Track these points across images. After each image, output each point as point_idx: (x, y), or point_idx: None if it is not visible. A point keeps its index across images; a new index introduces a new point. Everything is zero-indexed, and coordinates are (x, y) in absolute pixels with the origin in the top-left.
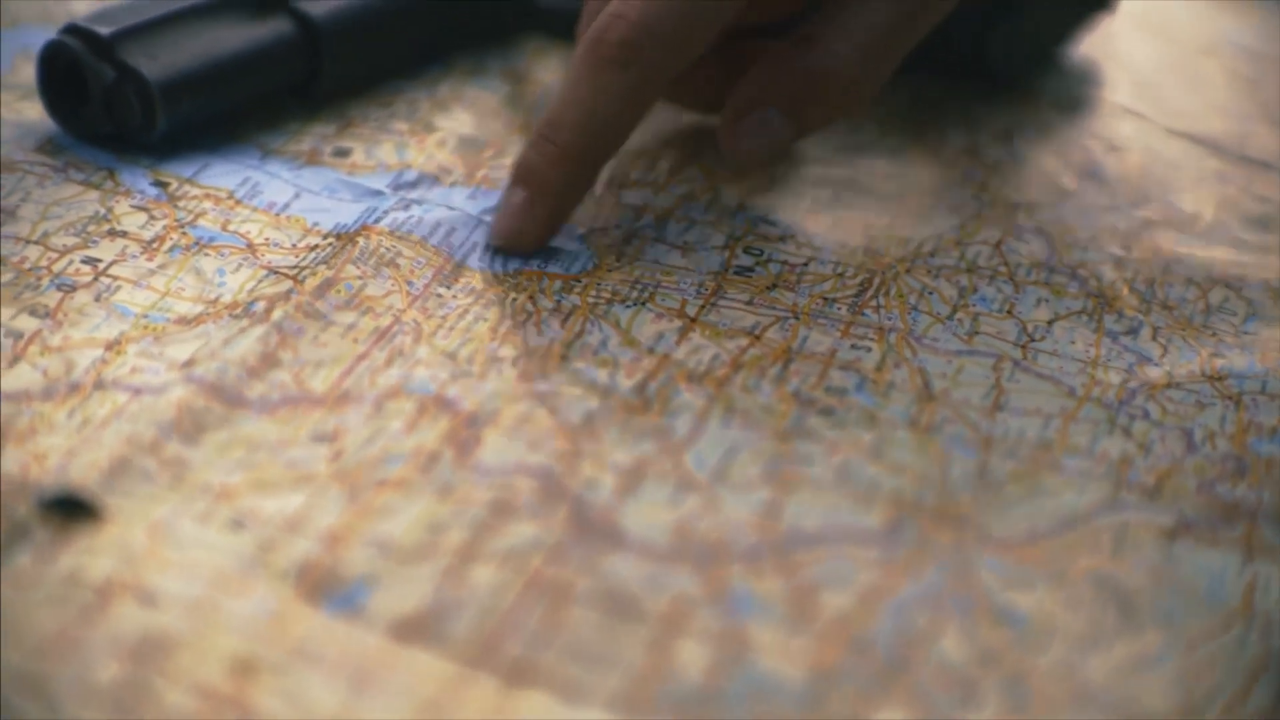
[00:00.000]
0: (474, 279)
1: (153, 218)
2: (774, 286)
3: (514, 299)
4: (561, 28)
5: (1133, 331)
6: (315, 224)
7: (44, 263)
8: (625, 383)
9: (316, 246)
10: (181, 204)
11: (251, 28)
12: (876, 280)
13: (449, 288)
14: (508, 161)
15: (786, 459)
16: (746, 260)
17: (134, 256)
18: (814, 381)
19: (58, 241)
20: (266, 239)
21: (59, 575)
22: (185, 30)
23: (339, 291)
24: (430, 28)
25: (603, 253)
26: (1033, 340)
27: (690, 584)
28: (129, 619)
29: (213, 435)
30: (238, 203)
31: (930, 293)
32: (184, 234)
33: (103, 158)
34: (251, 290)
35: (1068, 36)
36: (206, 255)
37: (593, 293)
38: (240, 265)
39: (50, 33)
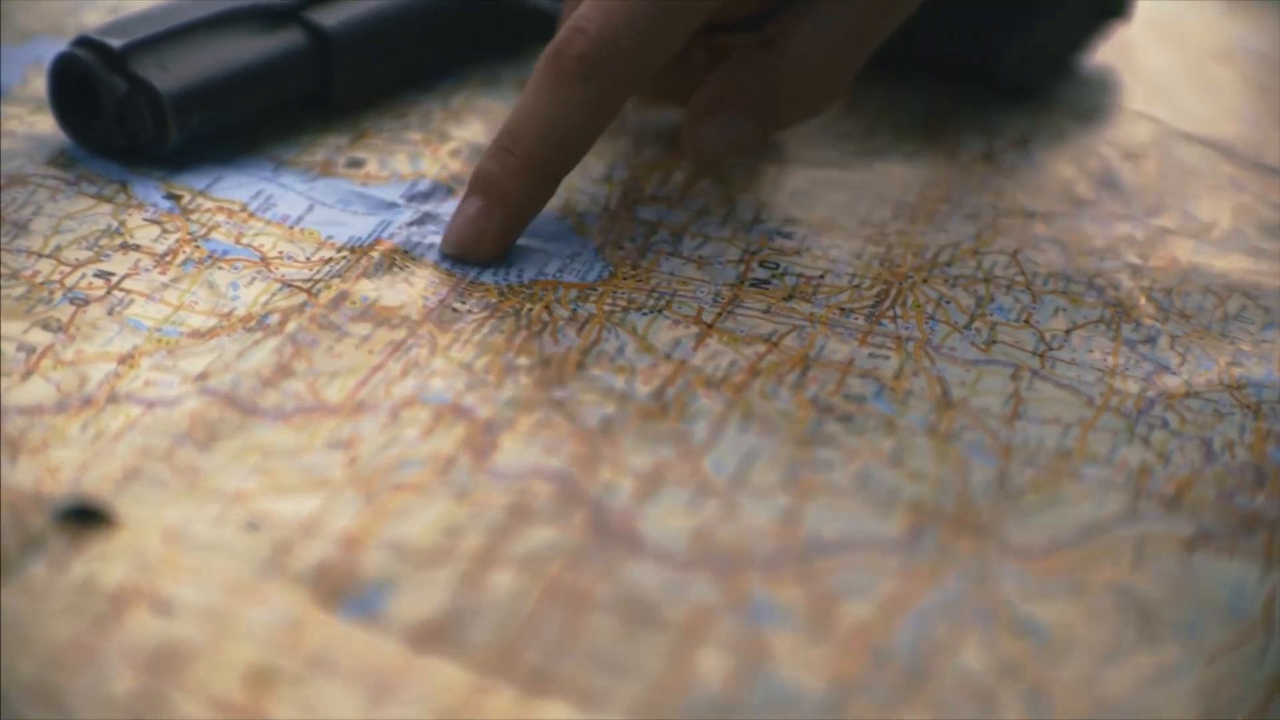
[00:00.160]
0: (489, 292)
1: (165, 231)
2: (790, 297)
3: (529, 309)
4: None
5: (1150, 340)
6: (329, 237)
7: (56, 276)
8: (643, 389)
9: (330, 260)
10: (194, 217)
11: (264, 39)
12: (893, 291)
13: (464, 301)
14: None
15: (805, 465)
16: (762, 274)
17: (147, 270)
18: (832, 388)
19: (70, 255)
20: (280, 252)
21: (72, 584)
22: (197, 42)
23: (353, 304)
24: (443, 38)
25: (618, 263)
26: (1050, 349)
27: (710, 591)
28: (143, 628)
29: (227, 443)
30: (251, 215)
31: (947, 302)
32: (197, 247)
33: (115, 170)
34: (265, 303)
35: (1083, 44)
36: (220, 269)
37: (609, 301)
38: (254, 279)
39: (62, 45)
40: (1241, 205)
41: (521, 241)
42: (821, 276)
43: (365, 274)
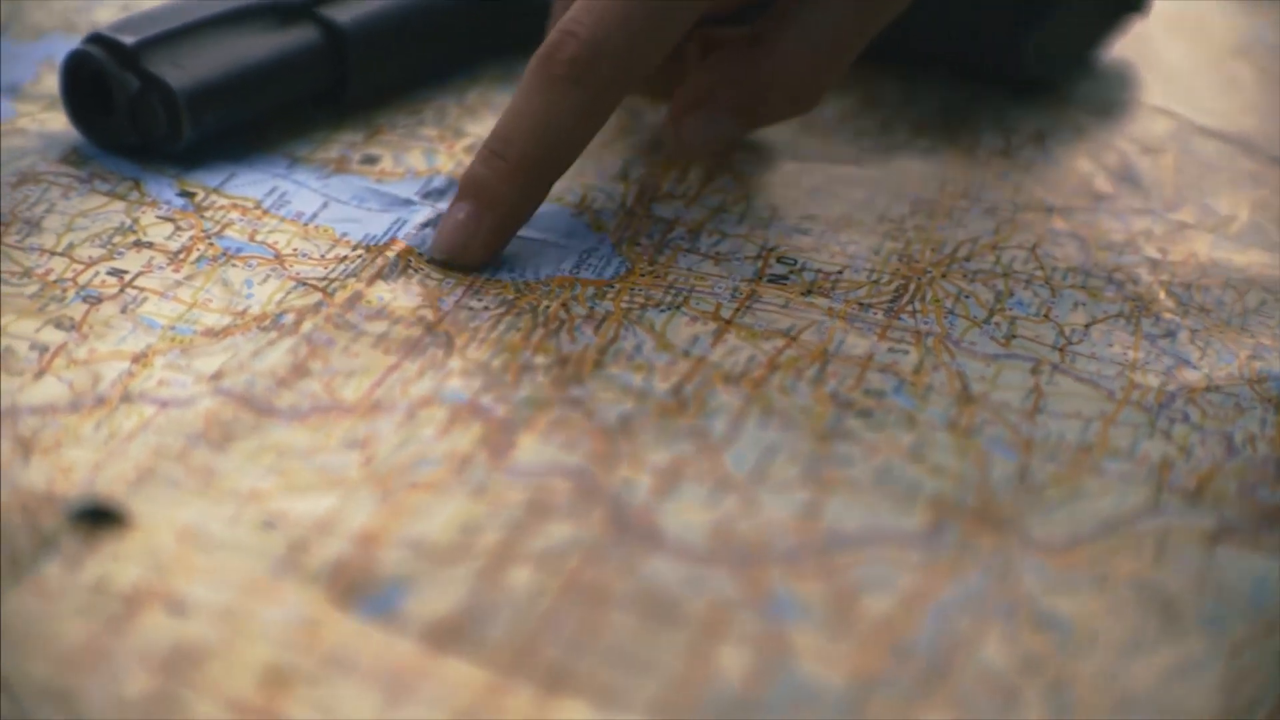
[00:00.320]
0: (505, 289)
1: (179, 228)
2: (809, 293)
3: (546, 306)
4: None
5: (1170, 334)
6: (344, 234)
7: (69, 274)
8: (661, 386)
9: (345, 258)
10: (208, 214)
11: (277, 35)
12: (912, 286)
13: (480, 299)
14: None
15: (825, 460)
16: (780, 269)
17: (160, 268)
18: (852, 383)
19: (83, 253)
20: (294, 249)
21: (86, 584)
22: (210, 39)
23: (369, 303)
24: (457, 33)
25: (635, 259)
26: (1070, 344)
27: (729, 586)
28: (158, 629)
29: (242, 443)
30: (265, 213)
31: (966, 297)
32: (211, 245)
33: (128, 168)
34: (280, 302)
35: (1100, 39)
36: (234, 266)
37: (626, 298)
38: (268, 276)
39: (74, 42)
40: (1260, 200)
41: (537, 237)
42: (840, 272)
43: (380, 274)
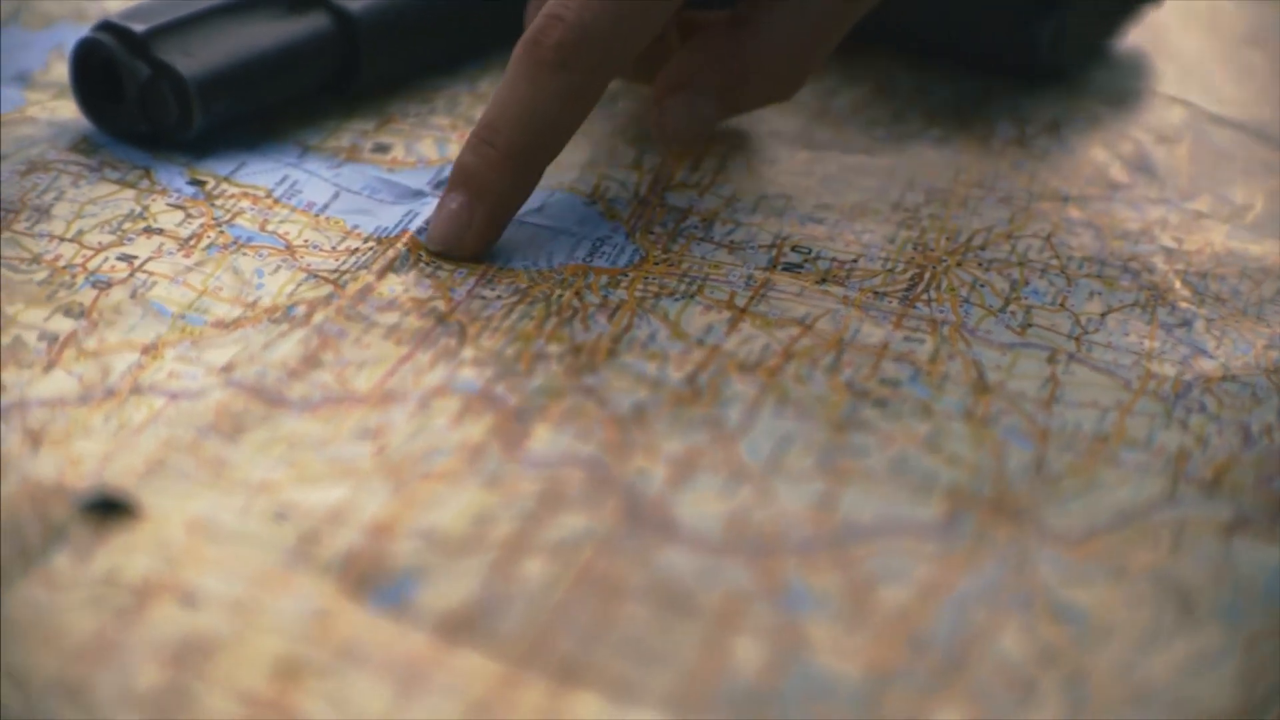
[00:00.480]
0: (518, 278)
1: (190, 216)
2: (823, 281)
3: (560, 295)
4: None
5: (1186, 324)
6: (355, 226)
7: (79, 260)
8: (675, 375)
9: (357, 250)
10: (219, 202)
11: (288, 23)
12: (927, 274)
13: (493, 288)
14: None
15: (841, 450)
16: (794, 258)
17: (171, 253)
18: (867, 372)
19: (93, 239)
20: (305, 240)
21: (96, 576)
22: (221, 26)
23: (380, 295)
24: (469, 21)
25: (649, 248)
26: (1086, 333)
27: (744, 578)
28: (168, 621)
29: (253, 434)
30: (276, 202)
31: (982, 286)
32: (221, 233)
33: (138, 156)
34: (291, 294)
35: (1115, 29)
36: (245, 255)
37: (640, 287)
38: (279, 267)
39: (84, 30)
40: (1276, 189)
41: (550, 225)
42: (854, 261)
43: (392, 266)
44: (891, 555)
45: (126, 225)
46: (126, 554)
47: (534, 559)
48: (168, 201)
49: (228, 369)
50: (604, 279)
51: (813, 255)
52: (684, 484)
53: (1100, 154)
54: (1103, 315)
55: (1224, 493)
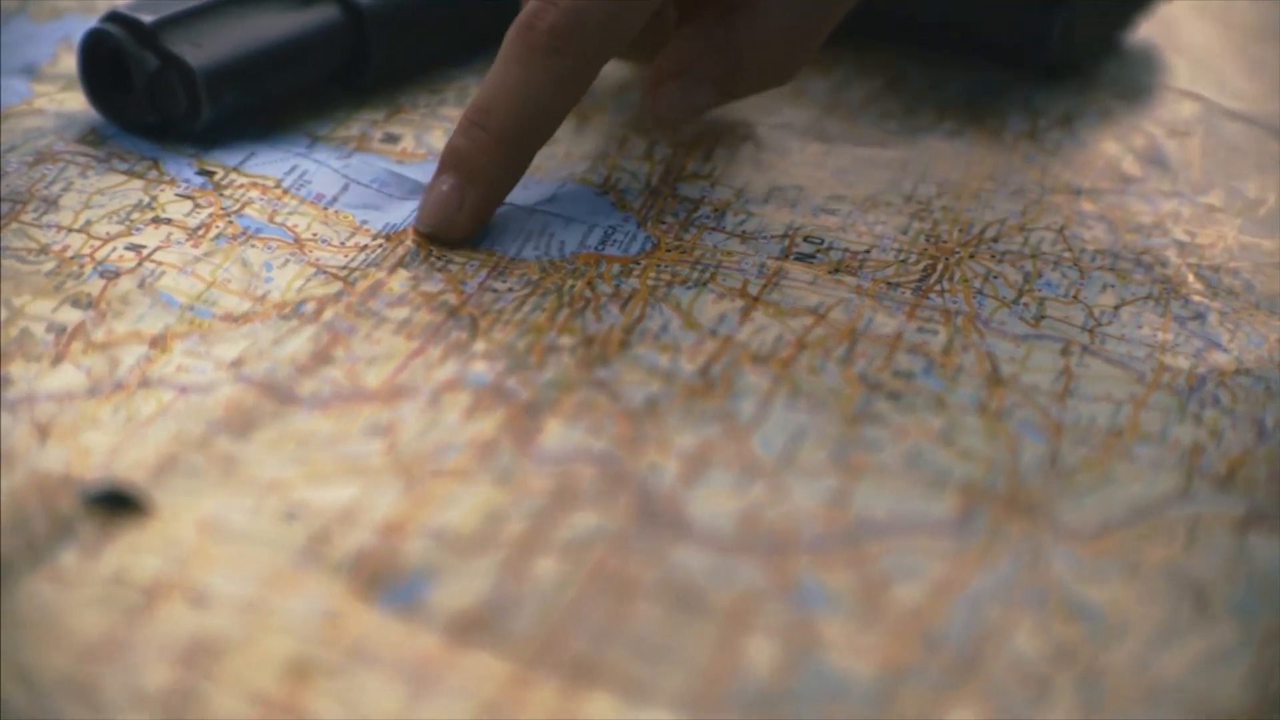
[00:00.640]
0: (529, 269)
1: (198, 206)
2: (836, 271)
3: (572, 285)
4: None
5: (1200, 317)
6: (364, 222)
7: (87, 250)
8: (688, 366)
9: (366, 247)
10: (227, 192)
11: (297, 14)
12: (940, 266)
13: (504, 280)
14: (560, 150)
15: (854, 444)
16: (807, 249)
17: (179, 243)
18: (880, 363)
19: (100, 229)
20: (314, 234)
21: (104, 575)
22: (230, 17)
23: (391, 290)
24: (479, 13)
25: (661, 235)
26: (1100, 325)
27: (757, 576)
28: (178, 621)
29: (263, 431)
30: (285, 193)
31: (995, 277)
32: (230, 223)
33: (146, 147)
34: (300, 289)
35: (1127, 22)
36: (253, 247)
37: (652, 275)
38: (288, 260)
39: (92, 21)
40: None
41: (561, 214)
42: (867, 251)
43: (402, 262)
44: (905, 553)
45: (134, 215)
46: (136, 553)
47: (546, 558)
48: (176, 191)
49: (237, 364)
50: (616, 267)
51: (825, 246)
52: (696, 480)
53: (1112, 147)
54: (1116, 308)
55: (1238, 488)
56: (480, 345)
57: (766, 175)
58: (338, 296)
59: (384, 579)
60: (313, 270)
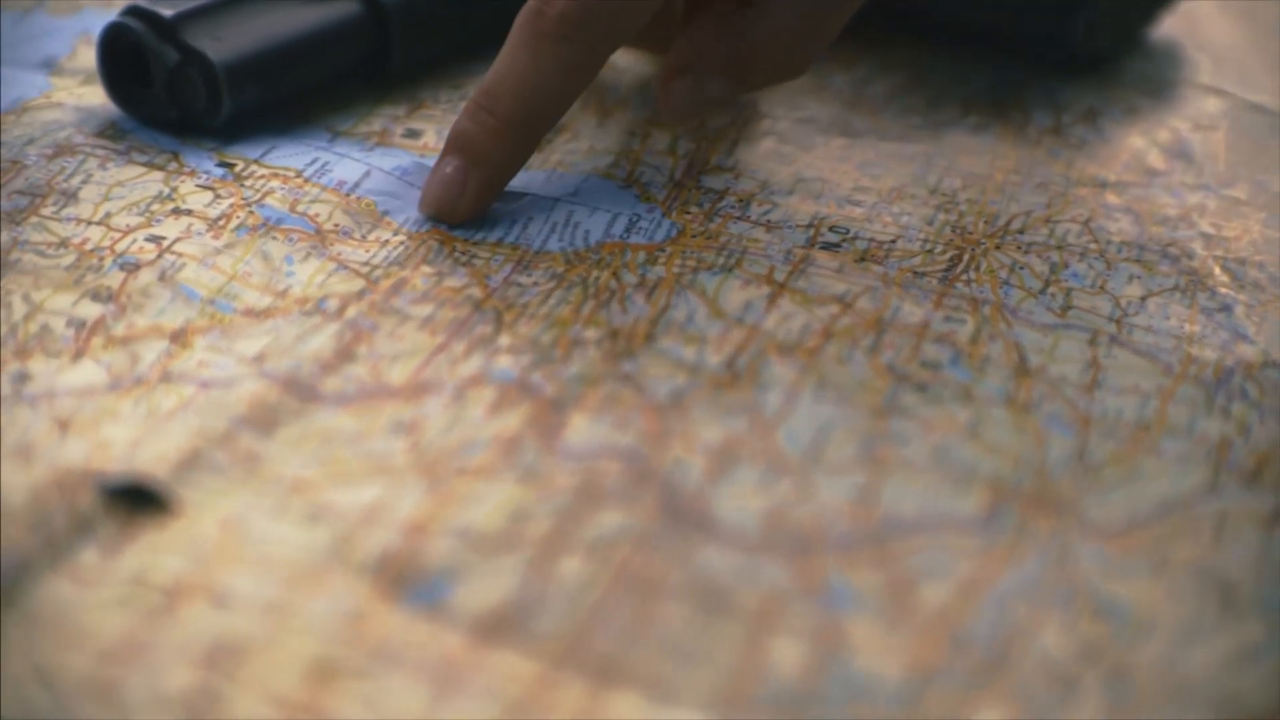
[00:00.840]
0: (555, 262)
1: (219, 196)
2: (862, 259)
3: (597, 277)
4: None
5: (1226, 309)
6: (385, 212)
7: (106, 243)
8: (714, 358)
9: (388, 242)
10: (248, 183)
11: (319, 8)
12: (966, 256)
13: (529, 274)
14: (583, 145)
15: (881, 438)
16: (832, 238)
17: (199, 234)
18: (908, 354)
19: (120, 221)
20: (336, 225)
21: (125, 575)
22: (250, 11)
23: (414, 287)
24: (501, 6)
25: (686, 223)
26: (1126, 315)
27: (783, 576)
28: (200, 622)
29: (286, 428)
30: (306, 181)
31: (1021, 268)
32: (251, 213)
33: (166, 141)
34: (321, 285)
35: (1151, 17)
36: (274, 239)
37: (678, 262)
38: (309, 254)
39: (111, 15)
40: None
41: (586, 205)
42: (893, 241)
43: (425, 260)
44: (932, 551)
45: (155, 207)
46: (156, 553)
47: (571, 557)
48: (196, 183)
49: (259, 359)
50: (641, 256)
51: (851, 235)
52: (722, 477)
53: (1137, 142)
54: (1143, 299)
55: (1266, 484)
56: (505, 339)
57: (791, 168)
58: (360, 294)
59: (408, 579)
60: (334, 265)
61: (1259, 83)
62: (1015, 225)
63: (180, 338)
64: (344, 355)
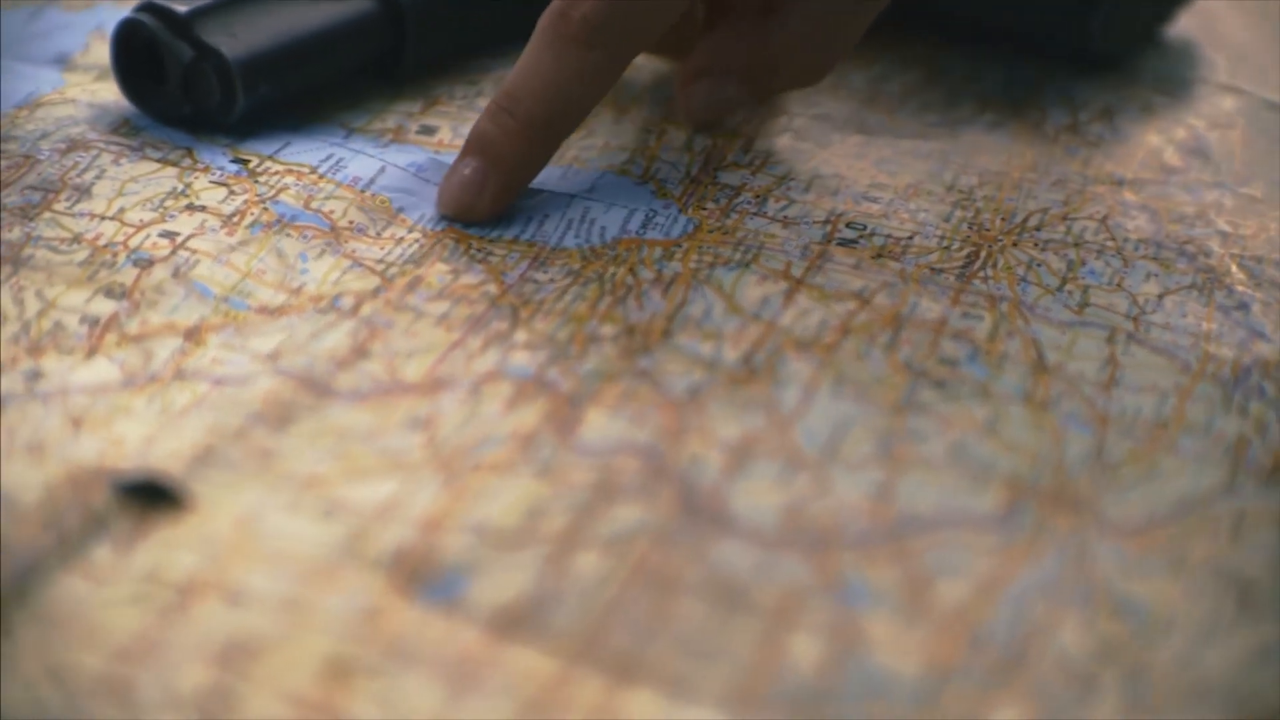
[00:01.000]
0: (571, 258)
1: (233, 193)
2: (880, 255)
3: (613, 273)
4: None
5: (1243, 307)
6: (400, 210)
7: (120, 238)
8: (730, 355)
9: (403, 240)
10: (263, 179)
11: (333, 4)
12: (983, 253)
13: (545, 271)
14: (599, 142)
15: (899, 435)
16: (849, 234)
17: (213, 230)
18: (925, 351)
19: (134, 216)
20: (350, 222)
21: (139, 573)
22: (265, 8)
23: (430, 285)
24: (515, 3)
25: (703, 218)
26: (1144, 313)
27: (801, 572)
28: (214, 619)
29: (301, 425)
30: (321, 178)
31: (1038, 265)
32: (265, 210)
33: (180, 137)
34: (336, 282)
35: (1167, 15)
36: (288, 236)
37: (695, 258)
38: (323, 251)
39: (125, 11)
40: None
41: (601, 201)
42: (910, 237)
43: (441, 257)
44: (950, 548)
45: (168, 202)
46: (170, 550)
47: (588, 553)
48: (211, 179)
49: (274, 357)
50: (658, 251)
51: (868, 231)
52: (739, 473)
53: (1154, 140)
54: (1160, 296)
55: None
56: (521, 335)
57: (807, 164)
58: (375, 291)
59: (423, 575)
60: (349, 263)
61: (1275, 81)
62: (1032, 222)
63: (194, 335)
64: (359, 352)
